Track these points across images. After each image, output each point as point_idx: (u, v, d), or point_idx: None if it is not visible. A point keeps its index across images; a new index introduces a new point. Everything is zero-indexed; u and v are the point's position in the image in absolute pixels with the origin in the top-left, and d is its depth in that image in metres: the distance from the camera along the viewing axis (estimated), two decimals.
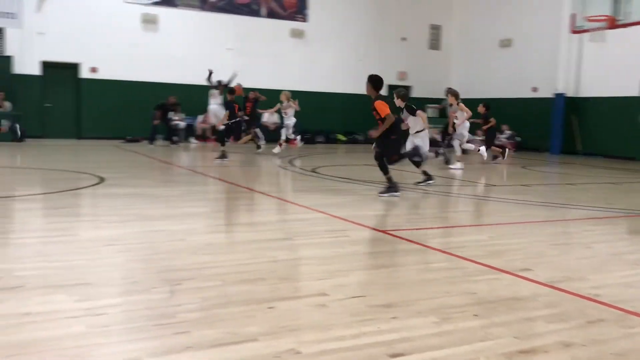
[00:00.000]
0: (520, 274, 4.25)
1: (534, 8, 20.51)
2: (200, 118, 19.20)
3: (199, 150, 16.43)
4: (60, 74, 18.45)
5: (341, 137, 21.56)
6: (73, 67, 18.55)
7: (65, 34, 18.00)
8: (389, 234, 5.62)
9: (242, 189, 8.92)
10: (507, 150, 14.58)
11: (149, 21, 19.13)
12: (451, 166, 12.53)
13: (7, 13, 17.66)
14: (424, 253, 4.95)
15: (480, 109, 14.53)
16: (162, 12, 19.33)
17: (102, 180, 8.79)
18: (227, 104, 13.65)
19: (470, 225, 6.82)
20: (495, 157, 14.38)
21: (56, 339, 2.77)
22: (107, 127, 18.72)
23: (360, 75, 22.09)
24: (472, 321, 3.23)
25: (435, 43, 24.18)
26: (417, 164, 9.14)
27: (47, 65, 18.14)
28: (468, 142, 13.33)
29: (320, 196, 7.99)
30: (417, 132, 9.71)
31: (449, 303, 3.53)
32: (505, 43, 21.61)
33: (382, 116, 7.65)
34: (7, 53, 17.64)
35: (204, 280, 3.81)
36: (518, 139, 20.02)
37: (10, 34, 17.72)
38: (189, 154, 15.42)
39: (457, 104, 12.56)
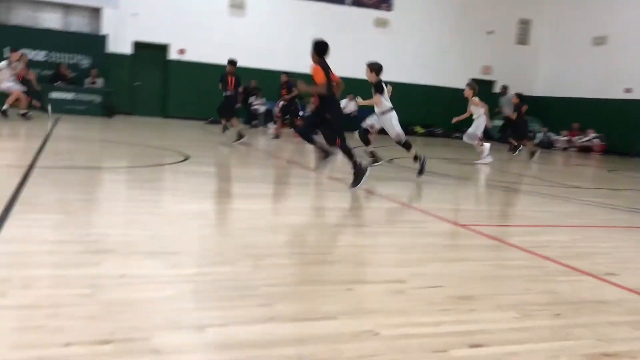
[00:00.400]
0: (605, 278, 4.12)
1: (634, 3, 19.49)
2: (280, 103, 19.47)
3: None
4: (150, 54, 19.20)
5: (419, 129, 21.35)
6: (162, 48, 19.26)
7: (157, 15, 18.70)
8: (468, 228, 5.56)
9: (320, 174, 9.02)
10: (526, 147, 14.22)
11: (237, 6, 19.56)
12: (478, 161, 12.29)
13: None
14: (503, 249, 4.88)
15: (514, 99, 14.26)
16: None
17: (187, 157, 9.13)
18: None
19: (552, 226, 6.63)
20: (532, 154, 14.12)
21: (150, 301, 2.94)
22: (192, 107, 19.34)
23: (441, 67, 21.83)
24: (554, 320, 3.18)
25: (523, 38, 23.46)
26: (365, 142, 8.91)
27: (138, 46, 18.93)
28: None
29: (398, 186, 7.98)
30: (383, 112, 8.97)
31: (530, 300, 3.47)
32: (599, 41, 20.69)
33: (316, 82, 6.81)
34: (103, 32, 18.52)
35: (284, 258, 3.92)
36: (601, 141, 19.19)
37: (106, 14, 18.59)
38: (267, 138, 15.72)
39: (471, 98, 12.13)
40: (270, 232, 4.70)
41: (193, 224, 4.77)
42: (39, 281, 3.05)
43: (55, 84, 17.25)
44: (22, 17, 18.38)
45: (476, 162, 12.02)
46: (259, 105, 18.60)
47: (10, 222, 4.14)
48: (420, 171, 8.52)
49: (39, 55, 18.04)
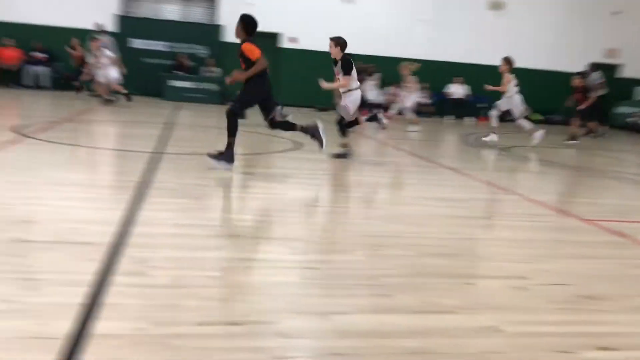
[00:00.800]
0: None
1: None
2: (390, 90, 19.41)
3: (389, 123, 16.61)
4: (262, 42, 19.67)
5: (537, 116, 20.40)
6: (274, 37, 19.72)
7: (270, 4, 19.16)
8: (594, 223, 5.28)
9: (433, 164, 8.91)
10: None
11: None
12: (485, 138, 11.69)
13: None
14: (634, 248, 4.59)
15: (578, 82, 13.20)
16: None
17: (299, 145, 9.33)
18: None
19: None
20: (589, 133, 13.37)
21: (275, 285, 3.07)
22: (304, 95, 19.69)
23: (559, 50, 20.73)
24: None
25: None
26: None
27: None
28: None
29: (518, 177, 7.72)
30: (348, 91, 8.19)
31: None
32: None
33: (253, 59, 6.36)
34: (220, 22, 19.27)
35: (401, 249, 3.93)
36: None
37: (223, 4, 19.31)
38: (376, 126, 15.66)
39: (505, 74, 11.52)
40: (386, 222, 4.72)
41: (310, 211, 4.89)
42: (173, 262, 3.27)
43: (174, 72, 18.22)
44: (145, 9, 19.50)
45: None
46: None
47: (144, 206, 4.45)
48: (339, 155, 7.93)
49: (160, 45, 19.10)
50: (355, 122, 8.32)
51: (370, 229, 4.47)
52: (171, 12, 19.61)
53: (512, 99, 11.66)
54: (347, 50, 8.17)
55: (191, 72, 18.63)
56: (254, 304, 2.81)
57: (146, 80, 18.65)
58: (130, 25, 18.82)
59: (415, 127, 13.84)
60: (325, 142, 6.95)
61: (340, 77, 8.11)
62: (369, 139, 12.10)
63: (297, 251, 3.68)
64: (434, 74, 17.98)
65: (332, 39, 8.08)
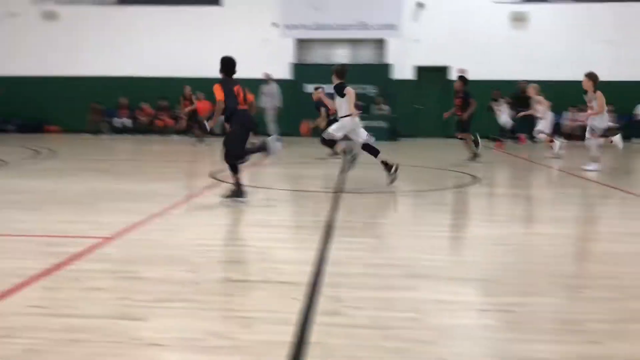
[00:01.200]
0: None
1: None
2: (567, 115, 18.39)
3: (565, 149, 15.67)
4: (431, 77, 19.79)
5: None
6: (442, 70, 19.69)
7: (436, 39, 19.23)
8: None
9: (627, 194, 8.18)
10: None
11: (519, 19, 19.05)
12: (586, 167, 10.21)
13: (389, 25, 19.74)
14: None
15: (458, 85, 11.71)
16: (533, 8, 19.08)
17: (475, 179, 9.14)
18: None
19: None
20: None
21: (471, 328, 3.03)
22: (473, 126, 19.31)
23: None
24: None
25: None
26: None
27: (420, 70, 19.69)
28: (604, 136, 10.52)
29: None
30: (343, 117, 8.31)
31: None
32: None
33: (217, 100, 6.62)
34: (388, 61, 19.72)
35: (604, 291, 3.66)
36: None
37: (391, 43, 19.78)
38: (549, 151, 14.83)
39: (594, 92, 10.23)
40: (581, 260, 4.44)
41: (497, 250, 4.76)
42: (369, 302, 3.37)
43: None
44: (318, 55, 20.58)
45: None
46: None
47: (333, 246, 4.65)
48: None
49: (331, 88, 19.92)
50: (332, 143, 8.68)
51: (564, 268, 4.23)
52: (341, 56, 20.48)
53: (602, 118, 10.60)
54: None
55: (362, 112, 19.17)
56: (455, 347, 2.79)
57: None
58: (304, 71, 19.96)
59: (553, 151, 12.87)
60: (274, 152, 6.94)
61: (336, 101, 8.56)
62: (544, 167, 11.49)
63: (491, 292, 3.60)
64: (619, 95, 16.64)
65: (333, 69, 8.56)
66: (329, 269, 4.00)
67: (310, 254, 4.33)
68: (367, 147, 8.55)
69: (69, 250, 4.46)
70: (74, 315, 3.12)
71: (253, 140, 7.25)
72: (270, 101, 17.88)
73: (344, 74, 8.55)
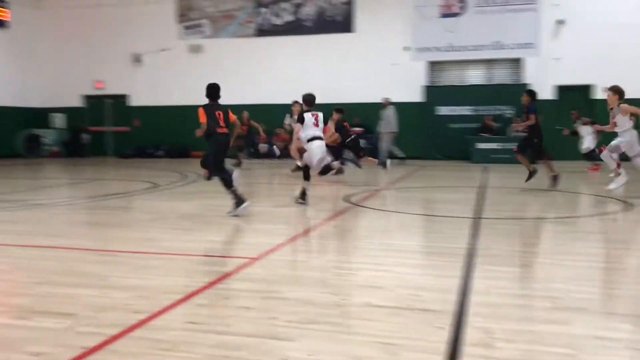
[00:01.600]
0: None
1: None
2: None
3: None
4: (572, 96, 18.75)
5: None
6: (585, 89, 18.60)
7: (579, 56, 18.23)
8: None
9: None
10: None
11: None
12: (611, 186, 9.66)
13: (526, 44, 19.04)
14: None
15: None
16: None
17: (627, 205, 8.46)
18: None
19: None
20: None
21: None
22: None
23: None
24: None
25: None
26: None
27: (560, 89, 18.73)
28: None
29: None
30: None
31: None
32: None
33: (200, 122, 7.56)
34: (525, 81, 18.97)
35: None
36: None
37: (528, 62, 19.04)
38: None
39: (618, 106, 9.46)
40: None
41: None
42: (519, 335, 3.22)
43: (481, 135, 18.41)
44: (452, 77, 20.30)
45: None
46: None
47: (477, 274, 4.50)
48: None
49: (465, 110, 19.59)
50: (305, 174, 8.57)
51: None
52: (476, 77, 20.07)
53: (631, 134, 9.66)
54: None
55: (497, 133, 18.60)
56: None
57: (453, 144, 19.25)
58: (437, 94, 19.78)
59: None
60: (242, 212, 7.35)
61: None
62: None
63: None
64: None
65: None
66: (474, 298, 3.87)
67: (453, 282, 4.23)
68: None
69: (219, 270, 4.70)
70: (227, 332, 3.28)
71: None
72: (386, 126, 17.69)
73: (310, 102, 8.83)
